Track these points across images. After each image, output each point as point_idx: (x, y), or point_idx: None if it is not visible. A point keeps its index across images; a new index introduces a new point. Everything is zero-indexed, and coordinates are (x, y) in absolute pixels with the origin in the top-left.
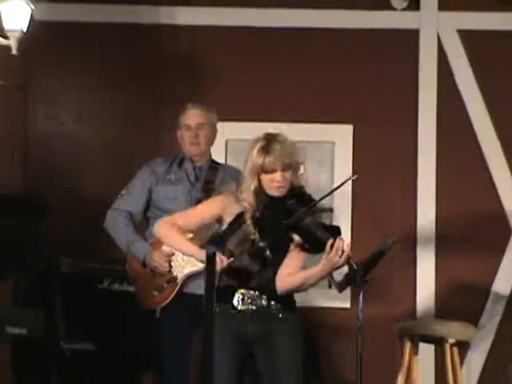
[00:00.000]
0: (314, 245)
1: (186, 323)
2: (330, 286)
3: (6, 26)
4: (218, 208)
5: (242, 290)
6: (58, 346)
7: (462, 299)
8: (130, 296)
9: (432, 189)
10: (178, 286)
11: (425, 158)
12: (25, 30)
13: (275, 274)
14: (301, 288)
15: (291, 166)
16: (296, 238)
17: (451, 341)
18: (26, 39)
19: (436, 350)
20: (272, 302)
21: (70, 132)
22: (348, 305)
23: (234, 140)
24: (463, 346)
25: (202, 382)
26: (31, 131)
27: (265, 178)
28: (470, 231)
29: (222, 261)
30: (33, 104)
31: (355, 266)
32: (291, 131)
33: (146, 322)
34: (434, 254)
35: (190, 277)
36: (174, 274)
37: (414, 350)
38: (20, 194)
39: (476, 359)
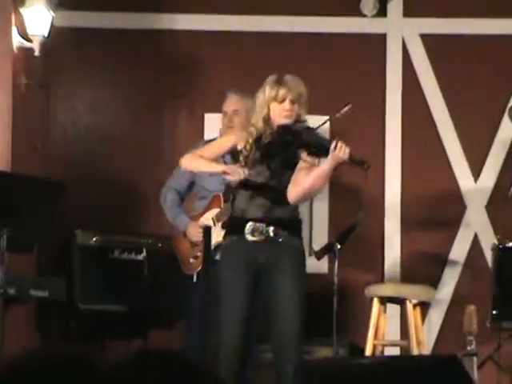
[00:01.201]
0: (321, 149)
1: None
2: (310, 255)
3: (30, 30)
4: (230, 139)
5: (251, 223)
6: (75, 306)
7: (424, 266)
8: (136, 263)
9: (398, 171)
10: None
11: (392, 147)
12: (46, 34)
13: (282, 198)
14: (311, 190)
15: (299, 99)
16: (303, 155)
17: (414, 301)
18: (47, 43)
19: (401, 310)
20: (279, 231)
21: (85, 124)
22: (325, 270)
23: None
24: (424, 306)
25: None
26: (52, 124)
27: (276, 107)
28: (430, 207)
29: (240, 173)
30: (53, 100)
31: (357, 159)
32: None
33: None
34: (399, 227)
35: (219, 246)
36: None
37: (382, 310)
38: (42, 177)
39: (435, 317)
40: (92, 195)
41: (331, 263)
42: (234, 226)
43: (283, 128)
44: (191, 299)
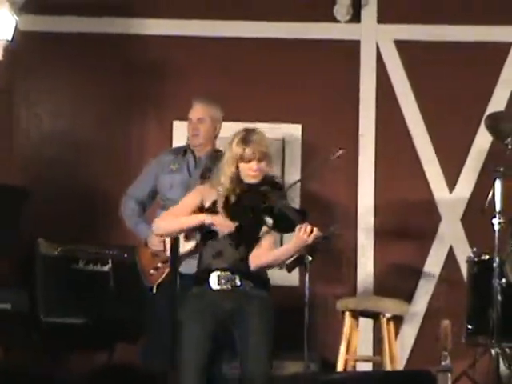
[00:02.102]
0: (286, 225)
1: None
2: (280, 267)
3: None
4: (196, 197)
5: (218, 272)
6: (38, 319)
7: (397, 279)
8: (101, 275)
9: (371, 181)
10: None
11: (365, 154)
12: (10, 38)
13: (247, 254)
14: (272, 264)
15: (266, 157)
16: (269, 220)
17: (387, 315)
18: (11, 47)
19: (374, 324)
20: (245, 281)
21: (50, 130)
22: (296, 283)
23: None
24: (398, 320)
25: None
26: (15, 130)
27: (243, 166)
28: (404, 218)
29: (229, 225)
30: (17, 105)
31: (322, 239)
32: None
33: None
34: (372, 239)
35: (182, 257)
36: (167, 255)
37: (355, 324)
38: (3, 184)
39: (409, 332)
40: (56, 203)
41: (302, 275)
42: (199, 276)
43: (250, 189)
44: (151, 313)
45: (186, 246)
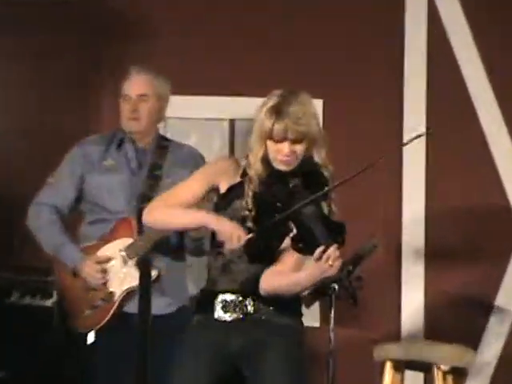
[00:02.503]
0: (309, 245)
1: (127, 352)
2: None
3: None
4: (212, 175)
5: (224, 295)
6: None
7: (457, 316)
8: (45, 312)
9: (420, 182)
10: (116, 305)
11: (412, 144)
12: None
13: (263, 270)
14: (283, 293)
15: (306, 137)
16: (294, 229)
17: (444, 367)
18: None
19: (425, 379)
20: (261, 306)
21: None
22: (317, 323)
23: (174, 118)
24: (459, 374)
25: None
26: None
27: (271, 146)
28: (467, 234)
29: (239, 237)
30: None
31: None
32: (250, 104)
33: (69, 346)
34: (423, 261)
35: (131, 293)
36: (111, 289)
37: (399, 378)
38: None
39: None
40: None
41: (325, 312)
42: (201, 301)
43: (277, 180)
44: (87, 373)
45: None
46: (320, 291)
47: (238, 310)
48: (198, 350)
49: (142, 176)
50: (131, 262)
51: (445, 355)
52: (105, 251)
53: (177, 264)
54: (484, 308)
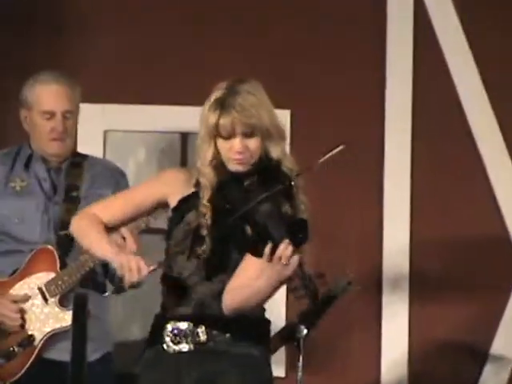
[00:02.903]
0: (263, 243)
1: None
2: None
3: None
4: (159, 186)
5: (176, 324)
6: None
7: (447, 365)
8: None
9: (405, 202)
10: (37, 351)
11: (395, 152)
12: None
13: (224, 286)
14: (249, 306)
15: (258, 130)
16: (249, 232)
17: None
18: None
19: None
20: (215, 333)
21: None
22: (282, 373)
23: (117, 131)
24: None
25: None
26: None
27: (222, 145)
28: (458, 266)
29: (139, 269)
30: None
31: (308, 284)
32: None
33: None
34: (407, 299)
35: (54, 337)
36: (30, 332)
37: None
38: None
39: None
40: None
41: (292, 360)
42: (153, 330)
43: (231, 182)
44: None
45: (61, 318)
46: (286, 335)
47: (189, 340)
48: None
49: (57, 200)
50: (53, 301)
51: None
52: (21, 288)
53: (102, 302)
54: (478, 355)
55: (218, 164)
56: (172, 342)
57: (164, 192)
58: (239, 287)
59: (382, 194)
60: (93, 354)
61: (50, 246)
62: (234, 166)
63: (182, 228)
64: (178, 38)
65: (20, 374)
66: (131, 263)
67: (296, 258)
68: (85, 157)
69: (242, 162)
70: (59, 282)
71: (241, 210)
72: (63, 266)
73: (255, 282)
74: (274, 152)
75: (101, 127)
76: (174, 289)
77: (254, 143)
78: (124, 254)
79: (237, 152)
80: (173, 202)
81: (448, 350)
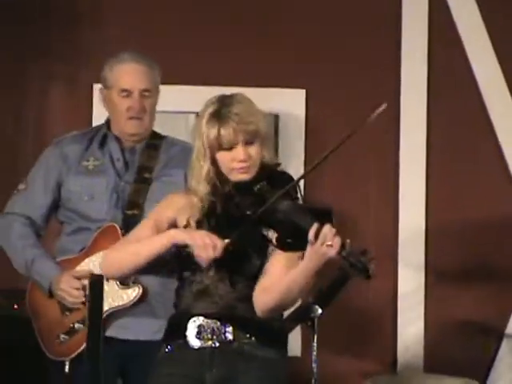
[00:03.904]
0: (296, 237)
1: (109, 381)
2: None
3: None
4: (167, 208)
5: (199, 319)
6: None
7: (462, 346)
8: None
9: (421, 188)
10: None
11: (410, 143)
12: None
13: (248, 291)
14: (286, 301)
15: (258, 136)
16: (271, 234)
17: None
18: None
19: None
20: (241, 334)
21: None
22: (298, 353)
23: None
24: None
25: None
26: None
27: (224, 157)
28: (474, 250)
29: (214, 246)
30: None
31: (355, 257)
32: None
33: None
34: (423, 284)
35: (114, 314)
36: None
37: None
38: None
39: None
40: None
41: (307, 339)
42: (174, 325)
43: (239, 191)
44: None
45: (119, 297)
46: (301, 313)
47: (214, 337)
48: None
49: (128, 180)
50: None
51: None
52: (85, 265)
53: (169, 281)
54: (493, 336)
55: (215, 179)
56: (197, 337)
57: (172, 218)
58: (268, 289)
59: (398, 177)
60: (158, 333)
61: (115, 224)
62: (237, 176)
63: None
64: (189, 21)
65: (79, 351)
66: (206, 239)
67: (338, 238)
68: (163, 137)
69: (245, 171)
70: None
71: (261, 209)
72: None
73: (284, 277)
74: (269, 156)
75: None
76: (198, 291)
77: (255, 150)
78: (194, 231)
79: (240, 161)
80: (181, 222)
81: (463, 331)
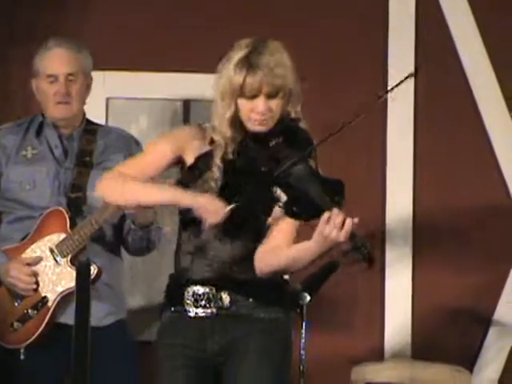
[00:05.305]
0: (304, 208)
1: (62, 368)
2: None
3: None
4: (173, 145)
5: (195, 287)
6: None
7: (450, 332)
8: None
9: (407, 173)
10: (50, 312)
11: (397, 128)
12: None
13: (248, 252)
14: (289, 269)
15: (283, 90)
16: (281, 196)
17: None
18: None
19: None
20: (238, 297)
21: None
22: None
23: (119, 98)
24: None
25: None
26: None
27: (244, 105)
28: (462, 233)
29: (218, 210)
30: None
31: (363, 248)
32: (208, 83)
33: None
34: (410, 267)
35: (67, 300)
36: (43, 293)
37: None
38: None
39: None
40: None
41: (295, 327)
42: (171, 292)
43: (254, 143)
44: None
45: (74, 278)
46: (289, 302)
47: (212, 304)
48: (169, 357)
49: (68, 166)
50: (65, 261)
51: (435, 377)
52: (33, 251)
53: (115, 265)
54: (481, 320)
55: (237, 123)
56: (194, 305)
57: (181, 150)
58: (274, 251)
59: (385, 159)
60: (107, 318)
61: (60, 208)
62: (254, 126)
63: (199, 186)
64: (181, 4)
65: (34, 337)
66: (210, 204)
67: (349, 221)
68: (97, 125)
69: (262, 123)
70: (70, 242)
71: (275, 172)
72: (73, 226)
73: (293, 247)
74: (294, 113)
75: (103, 94)
76: (195, 250)
77: (276, 104)
78: (197, 194)
79: (259, 112)
80: (189, 159)
81: (451, 316)
